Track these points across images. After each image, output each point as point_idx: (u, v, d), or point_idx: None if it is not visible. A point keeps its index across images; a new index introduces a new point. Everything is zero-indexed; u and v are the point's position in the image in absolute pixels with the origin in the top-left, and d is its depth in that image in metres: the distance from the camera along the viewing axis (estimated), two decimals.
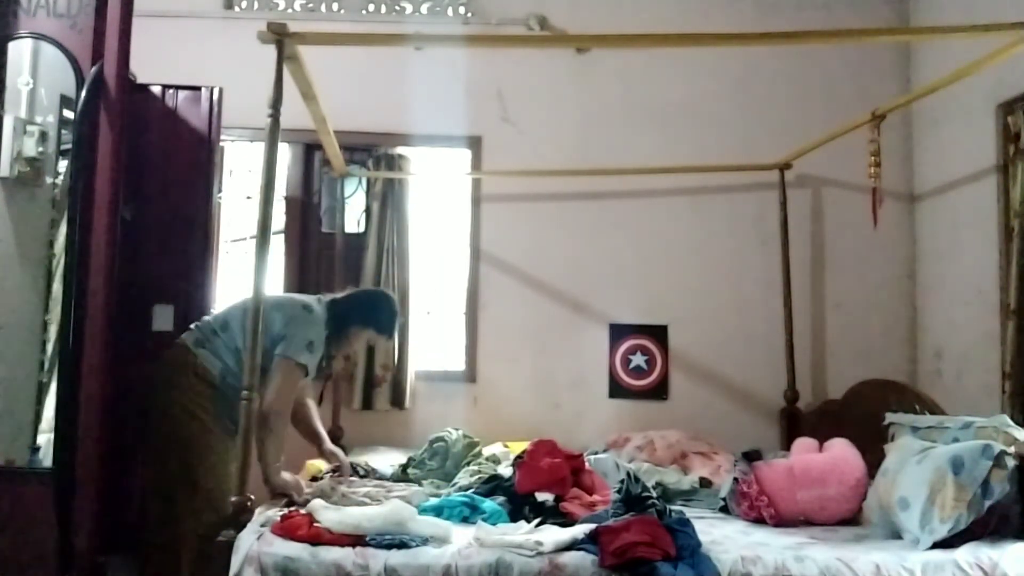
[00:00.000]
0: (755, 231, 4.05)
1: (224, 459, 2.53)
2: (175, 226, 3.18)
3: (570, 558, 2.12)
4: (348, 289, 3.06)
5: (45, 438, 2.55)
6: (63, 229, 2.55)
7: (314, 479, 2.87)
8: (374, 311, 2.87)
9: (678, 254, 4.05)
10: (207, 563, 2.19)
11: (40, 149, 2.66)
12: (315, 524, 2.21)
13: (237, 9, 4.10)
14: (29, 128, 2.65)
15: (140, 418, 2.72)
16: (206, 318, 2.80)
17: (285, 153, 3.96)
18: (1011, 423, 2.45)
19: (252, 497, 2.22)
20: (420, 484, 3.01)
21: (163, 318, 3.14)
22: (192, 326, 2.76)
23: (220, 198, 3.54)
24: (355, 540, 2.14)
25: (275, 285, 3.89)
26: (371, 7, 4.13)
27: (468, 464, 3.09)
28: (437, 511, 2.51)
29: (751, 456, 2.84)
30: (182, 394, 2.60)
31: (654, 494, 2.52)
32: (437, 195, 4.17)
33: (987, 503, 2.23)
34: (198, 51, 3.85)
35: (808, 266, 4.06)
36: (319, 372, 2.91)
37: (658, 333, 4.01)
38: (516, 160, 4.00)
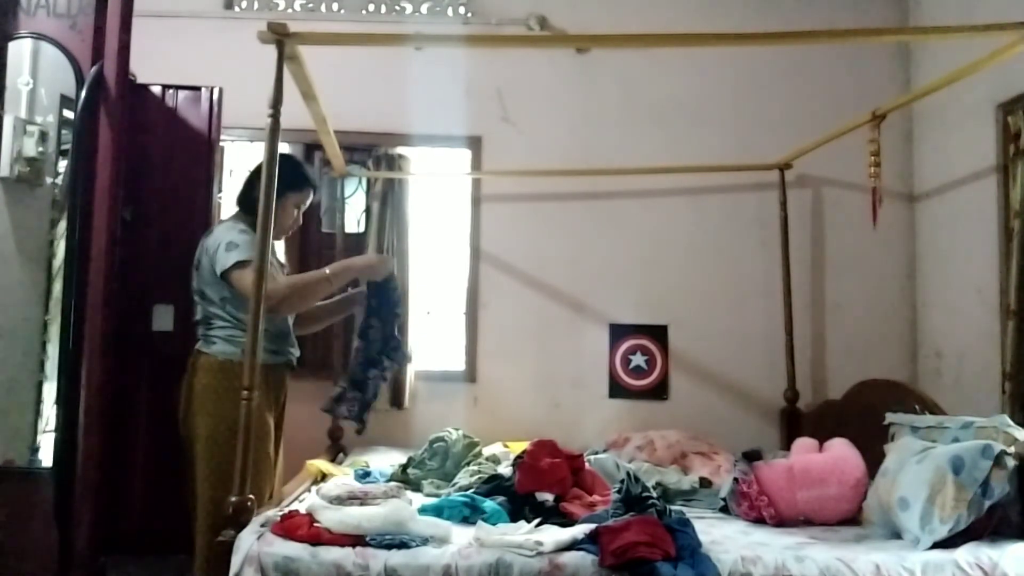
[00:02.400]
0: (755, 231, 4.05)
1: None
2: (175, 226, 3.18)
3: (570, 558, 2.12)
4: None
5: (45, 438, 2.55)
6: (63, 229, 2.55)
7: (315, 481, 2.87)
8: (292, 175, 2.69)
9: (678, 254, 4.05)
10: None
11: (40, 149, 2.66)
12: (315, 524, 2.21)
13: (237, 9, 4.10)
14: (29, 128, 2.65)
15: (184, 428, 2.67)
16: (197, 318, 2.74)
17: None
18: (1011, 423, 2.45)
19: (252, 497, 2.22)
20: (420, 484, 3.01)
21: (163, 318, 3.14)
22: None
23: (220, 198, 3.54)
24: (355, 540, 2.14)
25: None
26: (371, 7, 4.13)
27: (468, 464, 3.09)
28: (437, 511, 2.51)
29: (751, 456, 2.84)
30: (221, 395, 2.53)
31: (654, 494, 2.52)
32: (437, 195, 4.17)
33: (987, 503, 2.23)
34: (198, 51, 3.85)
35: (808, 266, 4.06)
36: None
37: (658, 333, 4.01)
38: (516, 160, 4.00)
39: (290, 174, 2.67)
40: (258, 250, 2.30)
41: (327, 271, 2.66)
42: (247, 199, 2.72)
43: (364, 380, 2.87)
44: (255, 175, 2.68)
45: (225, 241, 2.56)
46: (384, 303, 2.86)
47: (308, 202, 2.88)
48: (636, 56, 4.03)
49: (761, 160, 3.85)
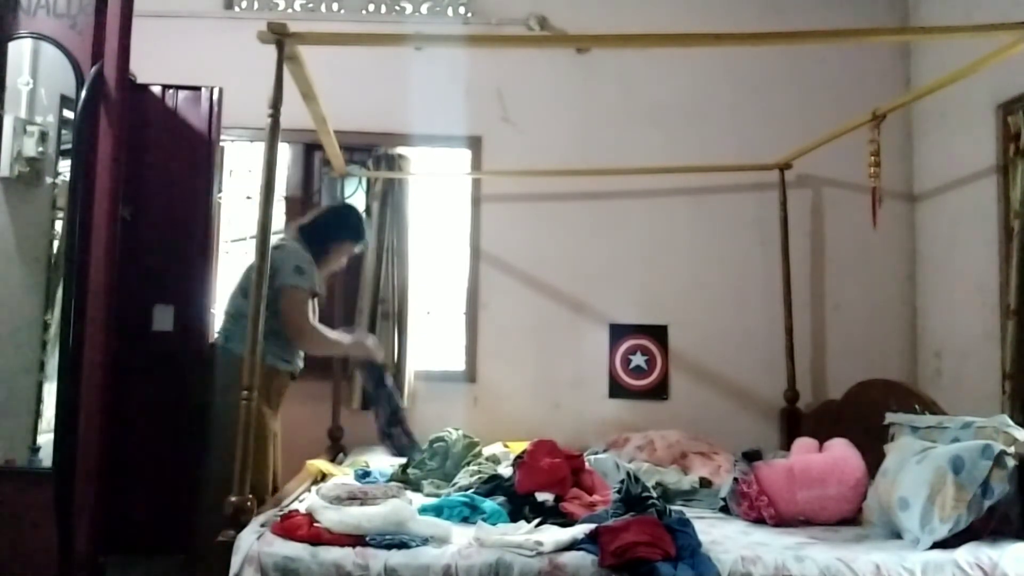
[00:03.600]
0: (755, 231, 4.05)
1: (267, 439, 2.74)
2: (175, 226, 3.18)
3: (570, 558, 2.12)
4: (310, 213, 3.23)
5: (45, 438, 2.55)
6: (63, 229, 2.55)
7: (315, 481, 2.87)
8: (346, 222, 3.10)
9: (678, 254, 4.05)
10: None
11: (40, 149, 2.66)
12: (315, 524, 2.21)
13: (237, 9, 4.10)
14: (29, 128, 2.65)
15: (198, 425, 2.88)
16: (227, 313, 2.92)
17: (285, 153, 3.96)
18: (1011, 423, 2.45)
19: (252, 497, 2.22)
20: (420, 484, 3.01)
21: (163, 318, 3.15)
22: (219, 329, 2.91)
23: (220, 198, 3.54)
24: (355, 540, 2.14)
25: None
26: (371, 7, 4.14)
27: (468, 464, 3.09)
28: (437, 511, 2.51)
29: (751, 456, 2.84)
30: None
31: (654, 494, 2.52)
32: (437, 195, 4.17)
33: (987, 503, 2.23)
34: (198, 51, 3.85)
35: (808, 266, 4.06)
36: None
37: (658, 333, 4.01)
38: (516, 160, 4.00)
39: (355, 225, 3.11)
40: (257, 250, 2.33)
41: (348, 342, 3.05)
42: (317, 236, 3.00)
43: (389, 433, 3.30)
44: (334, 219, 3.09)
45: (294, 264, 2.81)
46: (379, 385, 3.27)
47: (354, 254, 3.22)
48: (636, 56, 4.03)
49: (761, 160, 3.85)
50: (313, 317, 2.89)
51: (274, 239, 2.84)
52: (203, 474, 2.88)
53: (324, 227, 3.04)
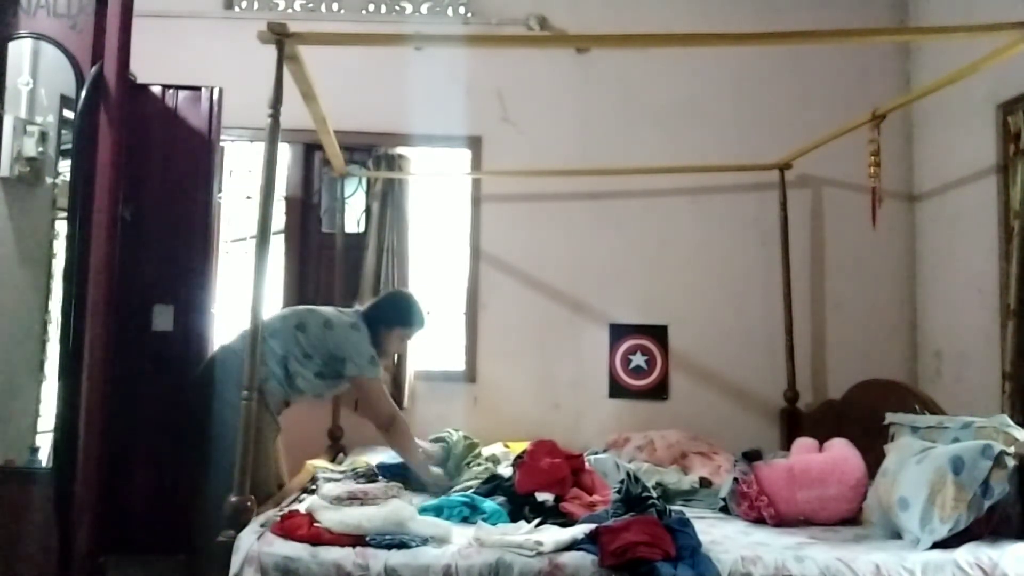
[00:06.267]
0: (755, 231, 4.05)
1: (267, 453, 2.71)
2: (175, 226, 3.18)
3: (570, 558, 2.12)
4: (371, 299, 3.30)
5: (45, 438, 2.55)
6: (63, 229, 2.55)
7: (314, 479, 2.87)
8: (399, 311, 3.09)
9: (678, 254, 4.05)
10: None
11: (40, 149, 2.66)
12: (315, 524, 2.21)
13: (237, 9, 4.10)
14: (29, 128, 2.65)
15: (190, 422, 2.80)
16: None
17: (285, 153, 3.97)
18: (1011, 423, 2.45)
19: (252, 497, 2.22)
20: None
21: (163, 318, 3.15)
22: (239, 333, 2.83)
23: (220, 198, 3.54)
24: (355, 540, 2.14)
25: (275, 285, 3.90)
26: (371, 7, 4.14)
27: (468, 465, 3.08)
28: (437, 511, 2.51)
29: (751, 456, 2.84)
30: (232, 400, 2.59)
31: (654, 494, 2.52)
32: (437, 195, 4.17)
33: (987, 503, 2.22)
34: (198, 51, 3.85)
35: (808, 266, 4.06)
36: None
37: (658, 333, 4.01)
38: (516, 160, 4.00)
39: (417, 314, 3.11)
40: (257, 250, 2.34)
41: (425, 474, 2.99)
42: (379, 325, 3.00)
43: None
44: (396, 315, 3.06)
45: (369, 354, 2.90)
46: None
47: (413, 337, 3.27)
48: (636, 56, 4.03)
49: (761, 160, 3.85)
50: (389, 401, 3.00)
51: (346, 315, 2.98)
52: (204, 473, 2.84)
53: (384, 313, 3.06)
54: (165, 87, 3.23)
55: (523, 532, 2.27)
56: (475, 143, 4.06)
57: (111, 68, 2.52)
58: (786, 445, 3.51)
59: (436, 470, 3.05)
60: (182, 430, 2.85)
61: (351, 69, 3.74)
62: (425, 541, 2.18)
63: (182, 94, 3.24)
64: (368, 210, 3.95)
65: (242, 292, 2.81)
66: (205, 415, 2.68)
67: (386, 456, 3.20)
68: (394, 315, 3.07)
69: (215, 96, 3.24)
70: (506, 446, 3.36)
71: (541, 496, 2.58)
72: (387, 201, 3.91)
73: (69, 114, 2.62)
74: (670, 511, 2.38)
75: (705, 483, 3.07)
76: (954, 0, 3.74)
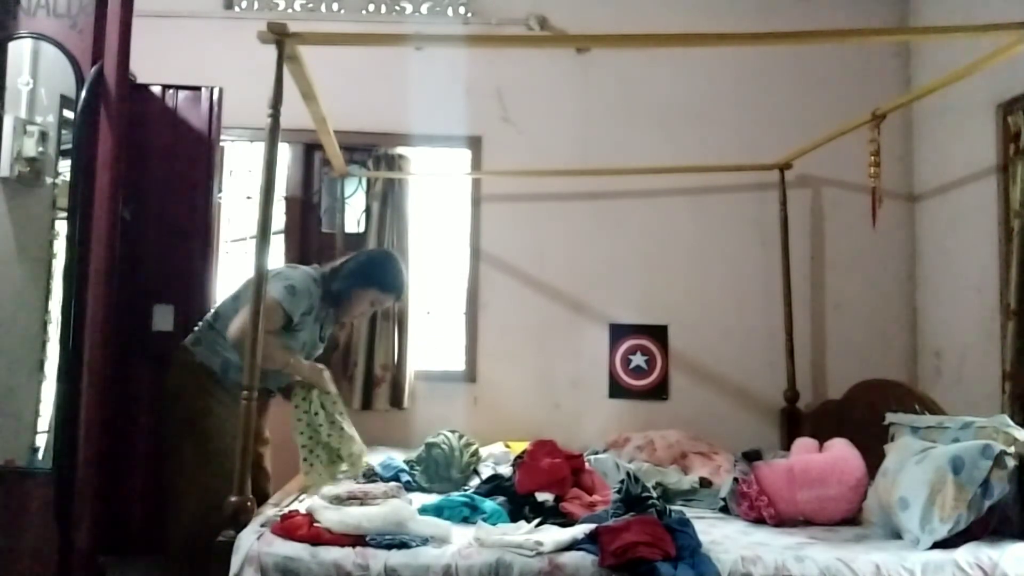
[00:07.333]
0: (755, 231, 4.05)
1: (224, 451, 2.46)
2: (175, 226, 3.18)
3: (570, 558, 2.12)
4: (348, 254, 2.98)
5: (45, 438, 2.55)
6: (63, 229, 2.55)
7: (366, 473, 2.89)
8: (376, 269, 2.82)
9: (678, 254, 4.05)
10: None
11: (40, 149, 2.66)
12: (315, 524, 2.21)
13: (237, 9, 4.10)
14: (29, 128, 2.65)
15: (157, 425, 2.78)
16: (206, 317, 2.80)
17: (285, 153, 3.96)
18: (1011, 423, 2.45)
19: (252, 498, 2.22)
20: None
21: (163, 318, 3.15)
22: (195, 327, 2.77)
23: (220, 198, 3.54)
24: (355, 540, 2.14)
25: None
26: (371, 7, 4.13)
27: (469, 467, 3.08)
28: (437, 511, 2.51)
29: (751, 456, 2.84)
30: (191, 395, 2.62)
31: (654, 494, 2.52)
32: (437, 195, 4.17)
33: (987, 503, 2.23)
34: (198, 51, 3.85)
35: (808, 266, 4.06)
36: (324, 340, 2.91)
37: (658, 333, 4.01)
38: (516, 160, 4.00)
39: (390, 276, 2.83)
40: (257, 250, 2.33)
41: (297, 373, 2.71)
42: (344, 284, 2.78)
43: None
44: (366, 264, 2.82)
45: (289, 283, 2.62)
46: None
47: (385, 305, 2.98)
48: (636, 56, 4.03)
49: (761, 160, 3.85)
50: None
51: (297, 267, 2.81)
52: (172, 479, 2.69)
53: (353, 269, 2.80)
54: (165, 87, 3.24)
55: (523, 532, 2.27)
56: (475, 143, 4.06)
57: (111, 68, 2.53)
58: (786, 445, 3.52)
59: (307, 362, 2.75)
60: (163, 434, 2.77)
61: (351, 69, 3.74)
62: (425, 541, 2.18)
63: (182, 94, 3.25)
64: (368, 210, 3.95)
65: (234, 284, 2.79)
66: (174, 422, 2.67)
67: (386, 456, 3.19)
68: (372, 273, 2.80)
69: (215, 96, 3.24)
70: (506, 446, 3.37)
71: (541, 496, 2.58)
72: (387, 201, 3.91)
73: (69, 114, 2.62)
74: (670, 511, 2.39)
75: (705, 483, 3.07)
76: (954, 0, 3.74)
